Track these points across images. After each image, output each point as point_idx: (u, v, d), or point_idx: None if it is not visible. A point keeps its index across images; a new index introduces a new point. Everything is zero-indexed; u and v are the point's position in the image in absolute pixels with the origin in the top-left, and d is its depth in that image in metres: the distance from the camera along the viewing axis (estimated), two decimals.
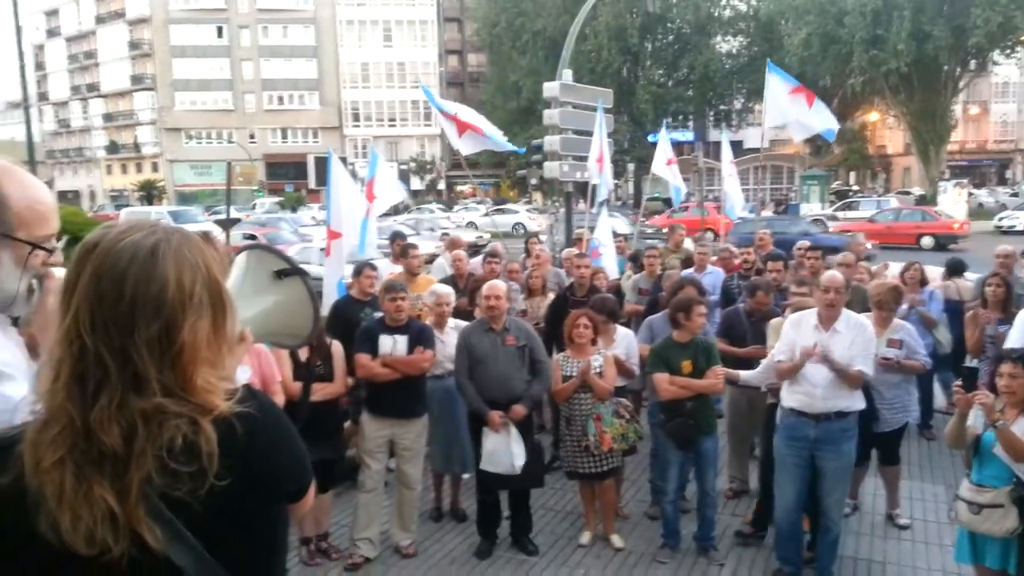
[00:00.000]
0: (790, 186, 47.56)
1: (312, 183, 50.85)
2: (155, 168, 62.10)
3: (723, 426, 5.71)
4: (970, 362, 6.39)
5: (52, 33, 67.84)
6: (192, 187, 58.96)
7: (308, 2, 60.57)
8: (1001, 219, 30.12)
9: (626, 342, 5.76)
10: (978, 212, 34.70)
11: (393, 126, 61.29)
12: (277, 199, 47.75)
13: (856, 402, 4.53)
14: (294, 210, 40.36)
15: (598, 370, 5.12)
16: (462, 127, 9.69)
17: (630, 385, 5.91)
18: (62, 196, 58.90)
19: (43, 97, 67.50)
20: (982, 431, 3.68)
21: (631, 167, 47.87)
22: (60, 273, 1.59)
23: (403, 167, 50.01)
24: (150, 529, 1.10)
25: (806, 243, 8.63)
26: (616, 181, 43.63)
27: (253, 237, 21.04)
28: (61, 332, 1.14)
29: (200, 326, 1.17)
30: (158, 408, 1.12)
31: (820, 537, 4.68)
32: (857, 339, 4.48)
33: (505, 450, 4.94)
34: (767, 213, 35.83)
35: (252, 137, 59.53)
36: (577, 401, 5.13)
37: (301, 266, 1.64)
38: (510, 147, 10.70)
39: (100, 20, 64.49)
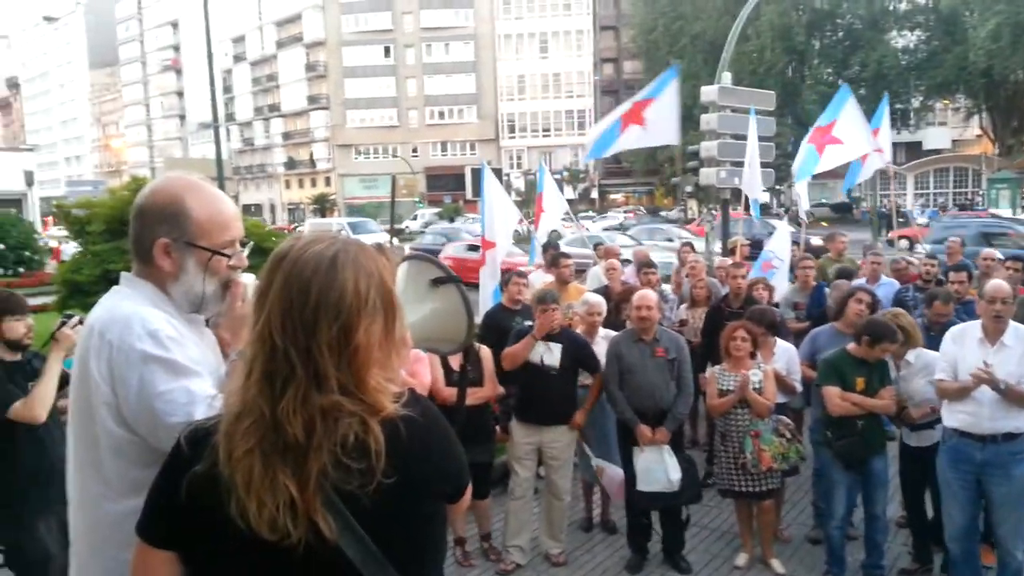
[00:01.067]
0: (976, 189, 43.70)
1: (469, 194, 52.47)
2: (327, 182, 66.44)
3: (894, 448, 5.29)
4: None
5: (238, 58, 74.21)
6: (360, 200, 62.48)
7: (469, 19, 62.73)
8: None
9: (787, 356, 5.48)
10: None
11: (548, 136, 62.08)
12: (436, 210, 49.60)
13: None
14: (451, 220, 41.69)
15: (757, 385, 4.90)
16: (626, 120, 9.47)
17: (791, 403, 5.63)
18: (246, 209, 64.23)
19: (230, 118, 73.81)
20: None
21: None
22: (245, 279, 1.74)
23: (556, 176, 50.48)
24: (325, 519, 1.20)
25: (994, 252, 7.87)
26: (779, 187, 41.80)
27: (476, 248, 21.40)
28: (255, 333, 1.26)
29: (373, 329, 1.27)
30: (335, 405, 1.23)
31: (998, 571, 4.25)
32: None
33: (659, 466, 4.82)
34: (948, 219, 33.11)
35: (415, 151, 62.36)
36: (734, 417, 4.93)
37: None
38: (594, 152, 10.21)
39: (280, 45, 69.90)
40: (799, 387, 5.47)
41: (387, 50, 64.38)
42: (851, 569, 4.82)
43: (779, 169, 20.85)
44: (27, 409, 3.29)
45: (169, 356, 1.56)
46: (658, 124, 9.27)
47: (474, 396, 4.90)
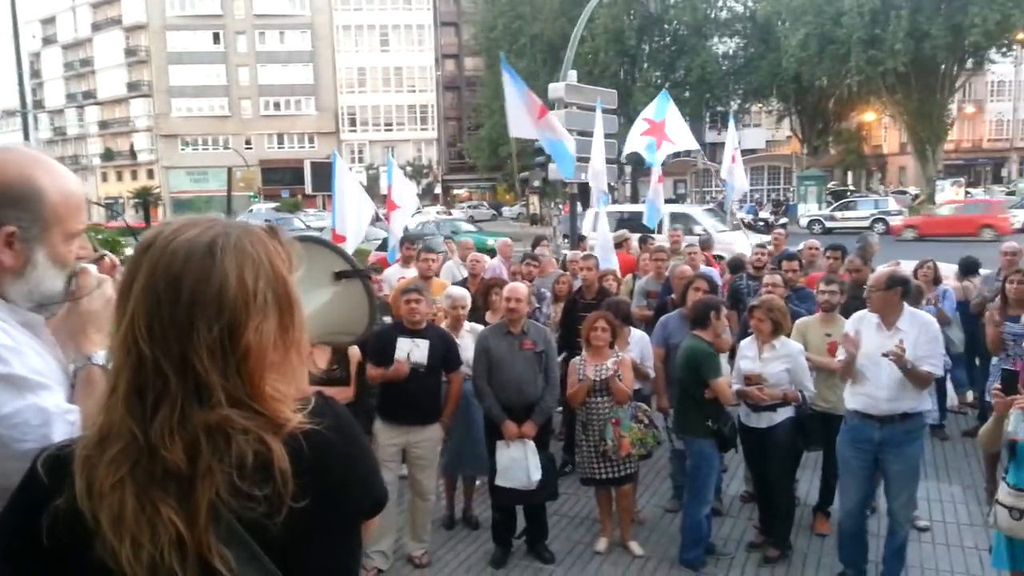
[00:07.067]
0: (787, 186, 47.62)
1: (309, 188, 50.68)
2: (151, 175, 61.97)
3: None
4: (1001, 361, 6.08)
5: (48, 41, 67.66)
6: (188, 193, 58.76)
7: (305, 7, 60.49)
8: None
9: (641, 344, 5.69)
10: None
11: (390, 130, 61.24)
12: (273, 204, 47.59)
13: (922, 403, 4.45)
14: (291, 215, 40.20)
15: (616, 373, 5.03)
16: (541, 111, 9.38)
17: (643, 390, 5.83)
18: None
19: (39, 105, 67.12)
20: (1023, 436, 3.58)
21: (628, 169, 47.95)
22: (93, 269, 1.50)
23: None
24: (221, 555, 1.00)
25: (816, 243, 8.56)
26: (613, 184, 43.45)
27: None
28: (118, 340, 1.04)
29: (266, 327, 1.06)
30: (223, 420, 1.02)
31: (887, 542, 4.61)
32: (922, 337, 4.35)
33: (521, 464, 4.84)
34: (765, 214, 35.82)
35: (248, 143, 59.44)
36: (595, 406, 5.04)
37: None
38: (568, 172, 10.24)
39: (96, 27, 64.36)
40: (652, 373, 5.67)
41: (216, 36, 60.83)
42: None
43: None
44: None
45: (8, 371, 1.29)
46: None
47: (340, 397, 4.68)
